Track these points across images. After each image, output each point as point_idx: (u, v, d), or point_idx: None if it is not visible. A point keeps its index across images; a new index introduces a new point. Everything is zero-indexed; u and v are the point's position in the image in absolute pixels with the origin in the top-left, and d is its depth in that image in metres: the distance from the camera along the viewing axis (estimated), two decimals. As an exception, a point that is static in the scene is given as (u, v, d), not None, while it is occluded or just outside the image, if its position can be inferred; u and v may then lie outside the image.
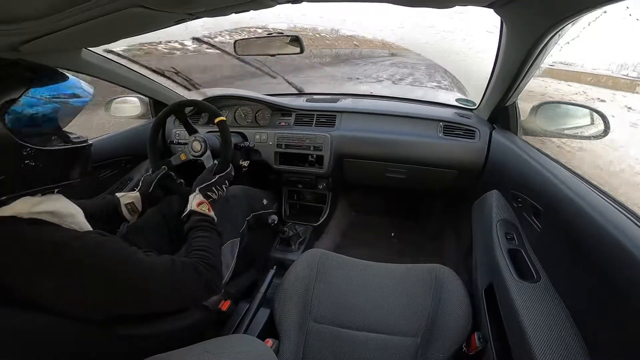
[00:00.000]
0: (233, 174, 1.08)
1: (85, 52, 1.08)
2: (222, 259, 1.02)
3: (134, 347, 0.75)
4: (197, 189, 0.97)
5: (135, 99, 1.65)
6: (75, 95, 0.65)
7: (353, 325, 0.93)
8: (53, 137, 0.63)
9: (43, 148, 0.59)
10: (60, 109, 0.62)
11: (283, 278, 1.04)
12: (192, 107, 1.54)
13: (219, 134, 1.12)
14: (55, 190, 0.66)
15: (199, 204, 0.91)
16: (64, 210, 0.65)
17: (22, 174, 0.57)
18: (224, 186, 1.02)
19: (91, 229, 0.70)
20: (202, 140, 1.18)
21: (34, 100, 0.58)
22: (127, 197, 0.99)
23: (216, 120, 1.09)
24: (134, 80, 1.40)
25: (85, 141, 0.70)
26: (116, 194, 1.00)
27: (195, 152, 1.18)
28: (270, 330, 0.97)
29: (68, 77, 0.66)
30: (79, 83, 0.68)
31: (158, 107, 1.60)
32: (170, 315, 0.87)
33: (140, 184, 1.06)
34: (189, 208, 0.92)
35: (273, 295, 1.02)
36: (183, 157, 1.19)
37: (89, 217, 0.92)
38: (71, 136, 0.69)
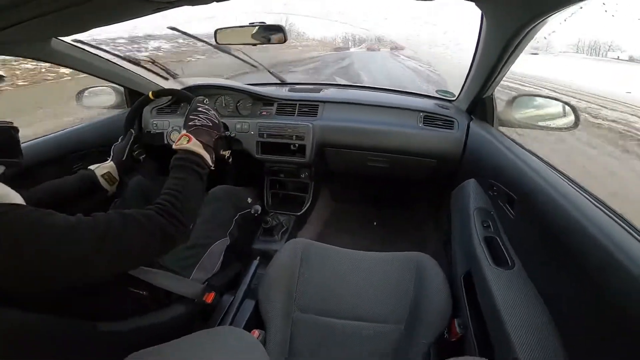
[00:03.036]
0: (199, 97, 1.00)
1: (54, 40, 1.03)
2: (211, 258, 1.04)
3: (119, 342, 0.75)
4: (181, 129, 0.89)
5: (109, 89, 1.58)
6: None
7: (338, 314, 0.96)
8: None
9: None
10: None
11: (267, 268, 1.05)
12: (170, 97, 1.49)
13: None
14: None
15: (179, 139, 0.82)
16: None
17: None
18: (199, 109, 0.91)
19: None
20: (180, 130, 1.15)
21: None
22: (102, 168, 0.98)
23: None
24: (108, 70, 1.34)
25: None
26: (89, 167, 0.97)
27: (173, 141, 1.16)
28: (256, 321, 0.98)
29: None
30: None
31: (134, 97, 1.54)
32: (153, 309, 0.87)
33: (112, 154, 1.04)
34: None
35: (257, 286, 1.02)
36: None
37: (63, 196, 0.88)
38: None
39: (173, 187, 0.73)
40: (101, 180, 0.96)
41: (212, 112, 0.93)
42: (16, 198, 0.62)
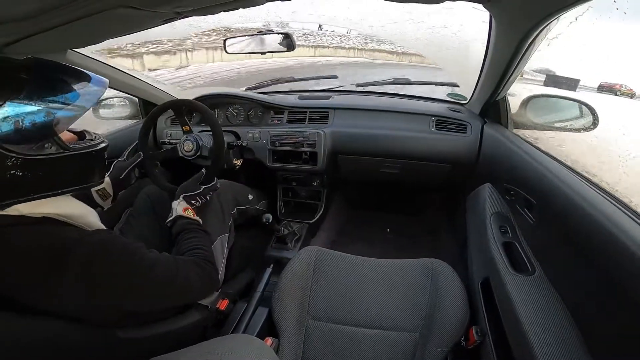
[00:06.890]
0: (218, 187, 1.09)
1: (70, 52, 1.06)
2: (214, 254, 1.03)
3: (137, 349, 0.75)
4: (182, 196, 0.97)
5: (124, 100, 1.62)
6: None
7: (352, 322, 0.94)
8: (46, 145, 0.57)
9: (31, 157, 0.54)
10: (55, 114, 0.56)
11: (280, 276, 1.04)
12: (183, 107, 1.52)
13: (211, 133, 1.11)
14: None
15: (184, 209, 0.95)
16: (70, 211, 0.65)
17: (10, 183, 0.53)
18: (207, 197, 1.04)
19: (103, 228, 0.70)
20: (194, 140, 1.16)
21: (22, 105, 0.51)
22: None
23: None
24: (122, 81, 1.37)
25: (87, 147, 0.65)
26: None
27: (186, 151, 1.17)
28: (269, 328, 0.98)
29: (81, 74, 0.63)
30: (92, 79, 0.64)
31: (148, 107, 1.57)
32: (169, 316, 0.87)
33: (111, 168, 1.05)
34: (174, 214, 0.93)
35: (271, 293, 1.02)
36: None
37: None
38: (87, 137, 0.69)
39: (197, 243, 0.88)
40: (95, 195, 0.97)
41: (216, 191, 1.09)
42: (89, 215, 0.70)
